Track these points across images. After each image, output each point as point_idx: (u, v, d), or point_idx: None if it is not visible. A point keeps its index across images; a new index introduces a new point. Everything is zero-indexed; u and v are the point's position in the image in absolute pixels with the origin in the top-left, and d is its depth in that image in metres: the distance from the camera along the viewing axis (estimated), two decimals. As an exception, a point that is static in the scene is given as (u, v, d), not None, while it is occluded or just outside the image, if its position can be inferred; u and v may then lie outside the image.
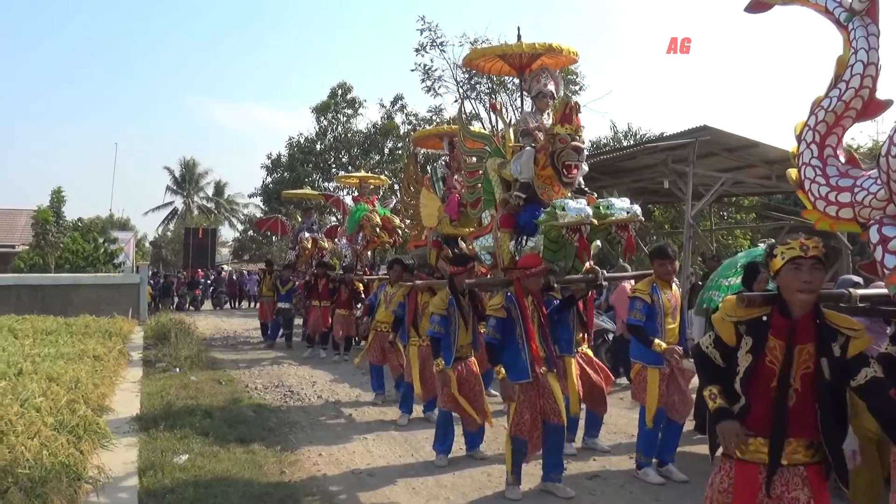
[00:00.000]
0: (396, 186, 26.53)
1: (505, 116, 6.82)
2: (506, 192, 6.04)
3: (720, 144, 11.55)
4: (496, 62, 6.96)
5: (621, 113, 72.32)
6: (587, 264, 5.45)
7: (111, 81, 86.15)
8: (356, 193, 14.04)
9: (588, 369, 5.84)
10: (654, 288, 5.27)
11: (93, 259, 22.16)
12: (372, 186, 14.25)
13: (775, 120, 57.25)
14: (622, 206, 5.16)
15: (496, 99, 23.99)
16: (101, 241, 23.90)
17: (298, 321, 15.00)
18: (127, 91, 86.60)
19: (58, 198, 22.88)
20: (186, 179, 49.98)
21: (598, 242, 5.75)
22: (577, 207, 4.96)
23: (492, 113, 7.38)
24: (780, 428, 2.65)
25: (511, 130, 6.35)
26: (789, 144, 3.22)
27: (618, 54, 56.79)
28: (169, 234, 48.74)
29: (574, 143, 5.32)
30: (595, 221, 5.01)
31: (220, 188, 51.29)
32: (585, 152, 5.53)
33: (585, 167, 5.78)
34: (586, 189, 5.88)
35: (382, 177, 16.64)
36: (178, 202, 50.43)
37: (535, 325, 4.88)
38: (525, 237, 5.56)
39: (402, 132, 29.24)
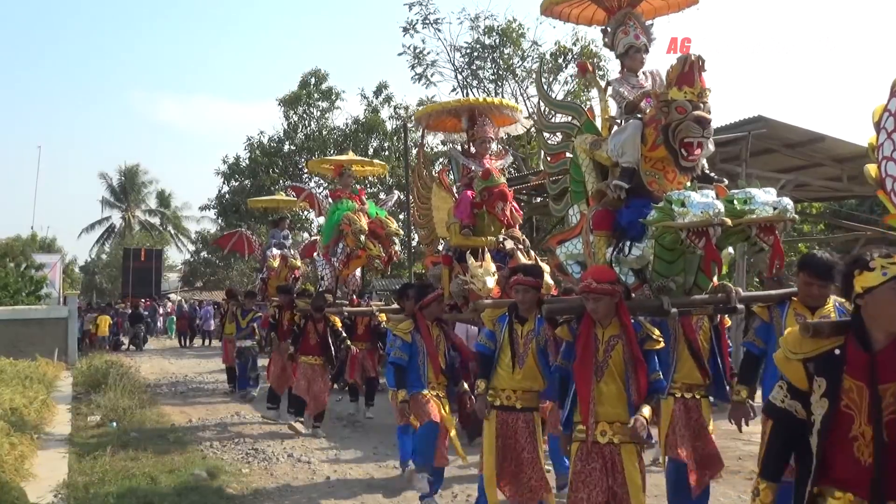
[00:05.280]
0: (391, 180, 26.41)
1: (541, 95, 6.29)
2: (601, 180, 5.40)
3: (779, 139, 11.60)
4: (584, 6, 6.18)
5: (657, 102, 72.74)
6: (714, 280, 4.93)
7: (34, 69, 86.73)
8: (336, 187, 11.81)
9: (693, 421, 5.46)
10: (783, 306, 4.84)
11: (12, 289, 22.09)
12: (358, 176, 12.30)
13: (844, 108, 57.74)
14: (766, 199, 4.51)
15: (501, 87, 24.11)
16: (22, 266, 23.85)
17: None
18: (54, 81, 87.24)
19: None
20: (126, 190, 50.11)
21: (731, 249, 5.25)
22: (704, 202, 4.37)
23: (582, 76, 6.61)
24: (879, 491, 2.54)
25: (608, 98, 5.67)
26: (863, 137, 3.16)
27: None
28: (104, 256, 48.70)
29: (696, 112, 4.68)
30: (728, 221, 4.40)
31: (164, 199, 51.37)
32: (713, 126, 4.94)
33: (711, 146, 5.11)
34: (713, 175, 5.23)
35: (377, 162, 14.15)
36: (116, 217, 50.58)
37: (614, 368, 4.30)
38: (629, 242, 4.96)
39: (388, 129, 29.38)
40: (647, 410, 4.23)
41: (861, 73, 66.92)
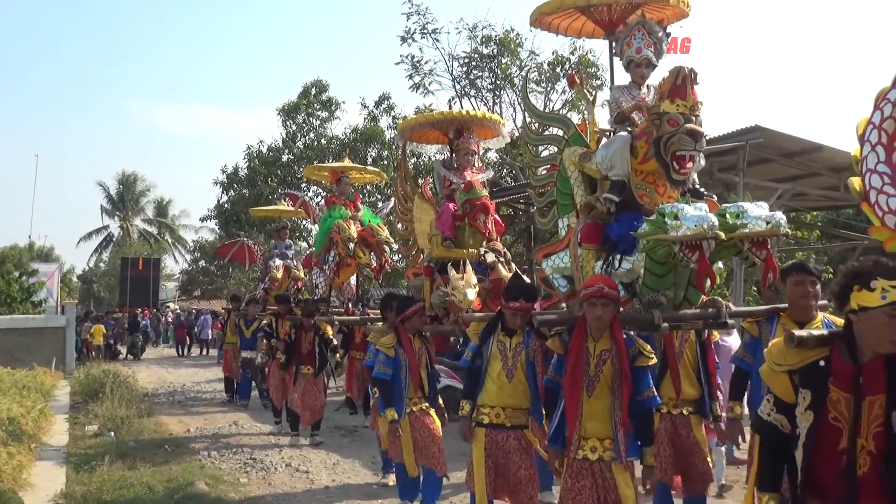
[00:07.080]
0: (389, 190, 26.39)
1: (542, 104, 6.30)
2: (590, 193, 5.38)
3: (776, 148, 11.65)
4: (575, 18, 6.17)
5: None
6: (704, 295, 4.86)
7: (30, 77, 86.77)
8: (331, 192, 11.63)
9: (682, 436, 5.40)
10: (772, 321, 4.82)
11: (8, 298, 22.05)
12: (355, 183, 12.01)
13: (841, 118, 57.91)
14: (759, 213, 4.44)
15: (498, 95, 24.18)
16: (17, 275, 23.80)
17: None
18: (51, 90, 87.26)
19: None
20: (125, 198, 50.13)
21: (721, 264, 5.20)
22: (698, 215, 4.31)
23: (570, 88, 6.41)
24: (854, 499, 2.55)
25: (597, 110, 5.69)
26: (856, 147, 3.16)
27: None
28: (102, 265, 48.69)
29: (689, 125, 4.64)
30: (723, 235, 4.31)
31: (162, 208, 51.38)
32: (705, 139, 4.90)
33: (702, 160, 5.06)
34: (703, 190, 5.25)
35: (372, 169, 13.82)
36: (114, 226, 50.59)
37: (605, 383, 4.23)
38: (619, 256, 4.92)
39: (387, 138, 29.41)
40: (650, 457, 4.28)
41: (861, 78, 67.25)
